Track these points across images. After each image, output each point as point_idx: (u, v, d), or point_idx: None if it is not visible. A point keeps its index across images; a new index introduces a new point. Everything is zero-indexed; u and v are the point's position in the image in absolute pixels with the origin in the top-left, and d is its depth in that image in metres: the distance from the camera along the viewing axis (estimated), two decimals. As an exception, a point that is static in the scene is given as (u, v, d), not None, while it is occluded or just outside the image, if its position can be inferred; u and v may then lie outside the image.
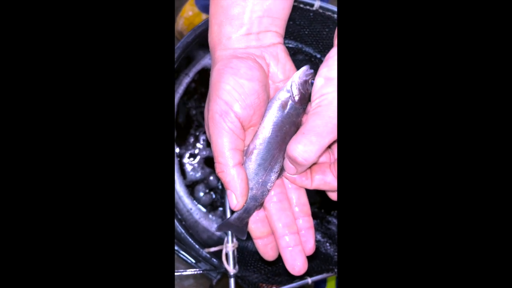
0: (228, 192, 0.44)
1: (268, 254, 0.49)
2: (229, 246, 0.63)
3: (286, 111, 0.46)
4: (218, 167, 0.44)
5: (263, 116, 0.46)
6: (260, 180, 0.46)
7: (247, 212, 0.47)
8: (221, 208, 0.85)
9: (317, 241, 0.82)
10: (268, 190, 0.47)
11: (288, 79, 0.47)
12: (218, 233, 0.82)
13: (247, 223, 0.48)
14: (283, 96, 0.46)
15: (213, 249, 0.68)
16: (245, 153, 0.46)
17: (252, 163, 0.46)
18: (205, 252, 0.70)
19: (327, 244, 0.81)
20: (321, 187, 0.48)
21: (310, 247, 0.48)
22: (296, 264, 0.46)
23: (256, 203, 0.47)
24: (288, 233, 0.47)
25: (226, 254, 0.64)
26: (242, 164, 0.45)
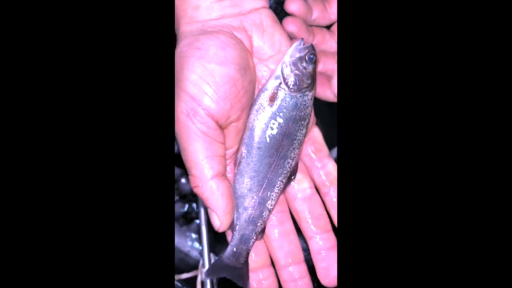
0: (209, 210, 0.38)
1: None
2: (205, 272, 0.55)
3: (277, 104, 0.38)
4: (192, 181, 0.37)
5: (245, 108, 0.38)
6: (256, 196, 0.38)
7: (245, 241, 0.38)
8: (197, 221, 0.70)
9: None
10: (269, 210, 0.39)
11: (279, 54, 0.39)
12: (193, 255, 0.65)
13: (247, 263, 0.39)
14: (271, 85, 0.38)
15: (185, 275, 0.55)
16: (234, 162, 0.39)
17: (243, 176, 0.38)
18: (175, 280, 0.51)
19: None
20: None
21: (332, 277, 0.39)
22: None
23: (255, 227, 0.38)
24: (291, 263, 0.40)
25: (202, 283, 0.56)
26: (223, 174, 0.38)
